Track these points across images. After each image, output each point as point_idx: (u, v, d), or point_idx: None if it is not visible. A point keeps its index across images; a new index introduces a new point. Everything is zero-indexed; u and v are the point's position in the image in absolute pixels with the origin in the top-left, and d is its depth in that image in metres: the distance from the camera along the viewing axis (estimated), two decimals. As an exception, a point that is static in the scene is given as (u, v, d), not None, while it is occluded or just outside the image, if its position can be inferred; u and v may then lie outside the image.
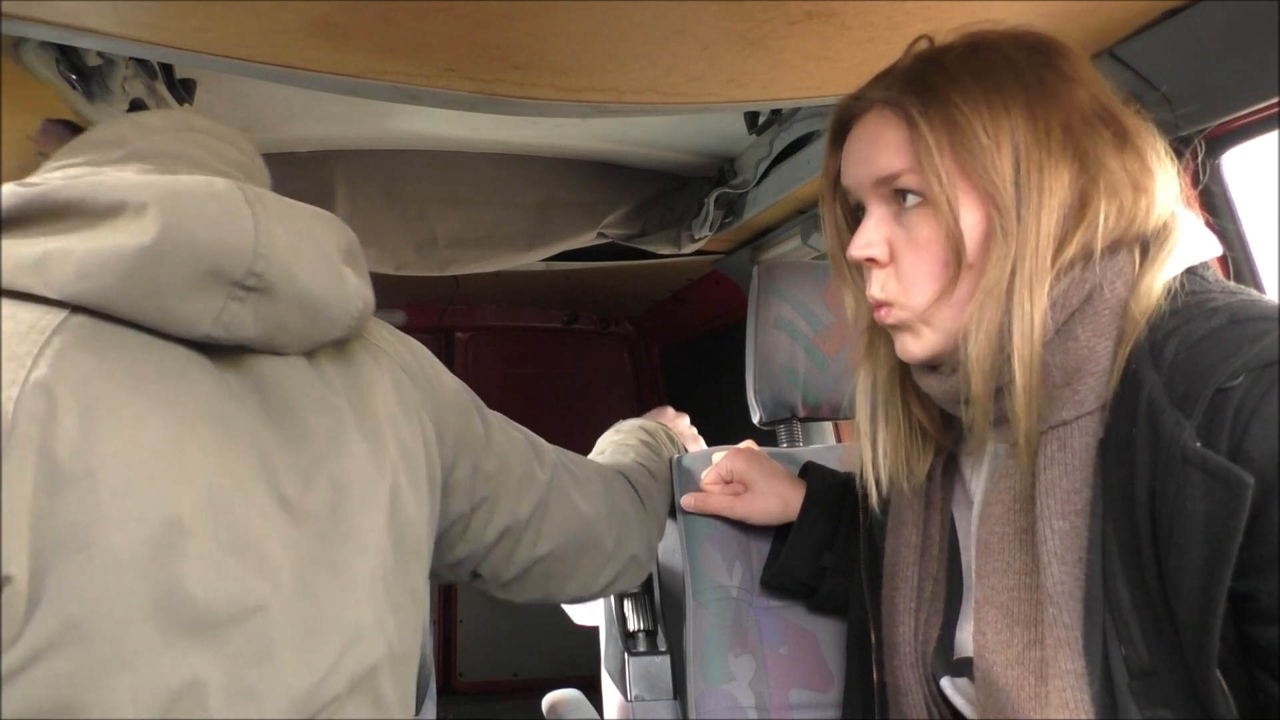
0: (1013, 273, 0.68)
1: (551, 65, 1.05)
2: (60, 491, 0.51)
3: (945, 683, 0.83)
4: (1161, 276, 0.67)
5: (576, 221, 1.95)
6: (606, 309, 3.16)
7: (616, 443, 1.23)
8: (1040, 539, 0.68)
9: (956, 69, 0.72)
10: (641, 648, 1.09)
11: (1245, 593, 0.58)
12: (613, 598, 1.14)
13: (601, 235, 1.97)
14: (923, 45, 0.77)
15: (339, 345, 0.74)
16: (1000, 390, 0.71)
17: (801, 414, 1.26)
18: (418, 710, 1.00)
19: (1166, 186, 0.71)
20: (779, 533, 1.10)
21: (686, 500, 1.15)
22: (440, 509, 0.84)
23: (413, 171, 1.85)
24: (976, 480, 0.83)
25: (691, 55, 1.03)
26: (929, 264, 0.73)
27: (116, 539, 0.52)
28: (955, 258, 0.71)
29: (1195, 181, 1.03)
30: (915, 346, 0.76)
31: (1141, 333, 0.65)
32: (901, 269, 0.75)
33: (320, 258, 0.65)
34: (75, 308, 0.56)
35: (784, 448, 1.28)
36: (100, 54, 1.14)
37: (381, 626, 0.68)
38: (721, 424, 1.49)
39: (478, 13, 0.90)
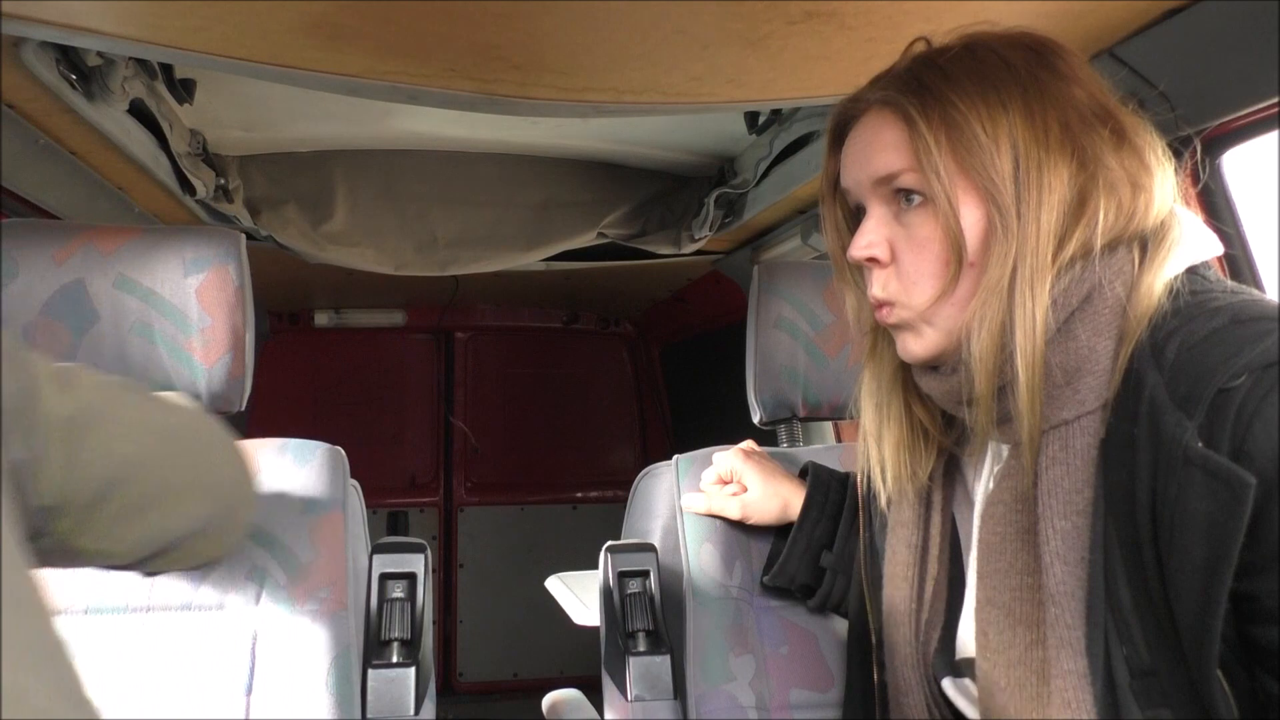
0: (1014, 270, 0.68)
1: (551, 65, 1.05)
2: None
3: (947, 683, 0.83)
4: (1162, 276, 0.67)
5: (576, 221, 1.95)
6: (606, 309, 3.15)
7: None
8: (1042, 539, 0.68)
9: (953, 69, 0.72)
10: (641, 648, 1.09)
11: (1246, 593, 0.58)
12: (614, 598, 1.13)
13: (601, 235, 1.98)
14: (920, 47, 0.77)
15: None
16: (1003, 389, 0.71)
17: (802, 414, 1.26)
18: (418, 710, 1.00)
19: (1165, 184, 0.71)
20: (779, 533, 1.10)
21: (686, 500, 1.15)
22: None
23: (413, 171, 1.85)
24: (978, 481, 0.83)
25: (691, 55, 1.03)
26: (930, 263, 0.73)
27: None
28: (956, 256, 0.71)
29: (1195, 181, 1.03)
30: (917, 346, 0.76)
31: (1143, 332, 0.65)
32: (902, 268, 0.75)
33: None
34: None
35: (784, 448, 1.28)
36: (100, 54, 1.14)
37: None
38: (721, 424, 1.49)
39: (478, 13, 0.90)
